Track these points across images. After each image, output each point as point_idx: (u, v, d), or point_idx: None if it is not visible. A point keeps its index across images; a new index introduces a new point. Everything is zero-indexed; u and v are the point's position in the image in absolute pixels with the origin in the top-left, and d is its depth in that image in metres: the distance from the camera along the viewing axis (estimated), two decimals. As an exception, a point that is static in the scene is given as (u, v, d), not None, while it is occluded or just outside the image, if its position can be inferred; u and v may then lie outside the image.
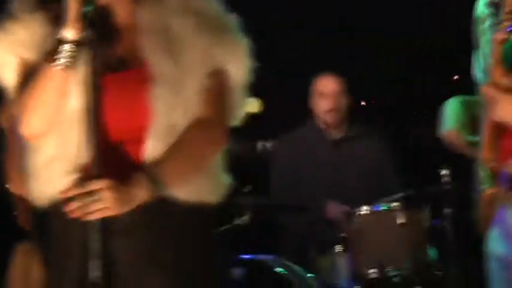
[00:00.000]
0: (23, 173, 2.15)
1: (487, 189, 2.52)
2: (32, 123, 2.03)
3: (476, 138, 2.71)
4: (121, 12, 2.10)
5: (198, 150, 2.06)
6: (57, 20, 2.02)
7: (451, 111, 2.85)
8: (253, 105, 3.30)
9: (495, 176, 2.50)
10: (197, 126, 2.04)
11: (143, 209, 1.95)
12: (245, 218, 3.92)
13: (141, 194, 1.93)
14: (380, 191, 4.26)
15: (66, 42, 1.94)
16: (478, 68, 2.65)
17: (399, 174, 4.47)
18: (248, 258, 3.96)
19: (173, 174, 1.99)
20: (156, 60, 2.04)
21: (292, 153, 4.50)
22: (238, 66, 2.14)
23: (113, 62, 2.05)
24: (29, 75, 2.06)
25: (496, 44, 2.30)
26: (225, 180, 2.13)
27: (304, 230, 4.34)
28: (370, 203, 3.99)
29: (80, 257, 1.95)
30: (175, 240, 2.04)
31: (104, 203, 1.88)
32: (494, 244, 2.53)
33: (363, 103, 6.32)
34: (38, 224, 2.33)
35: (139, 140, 2.01)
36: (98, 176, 1.89)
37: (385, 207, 3.91)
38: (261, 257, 4.03)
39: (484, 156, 2.50)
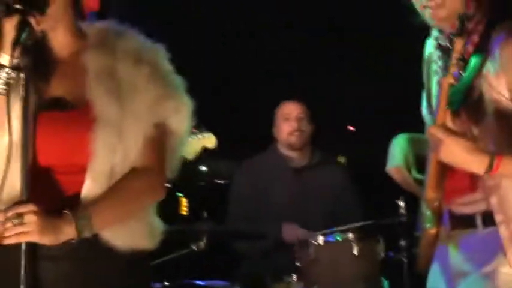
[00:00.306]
0: None
1: (430, 228, 2.56)
2: None
3: (422, 177, 2.71)
4: (58, 43, 2.12)
5: (136, 198, 2.09)
6: None
7: (398, 147, 2.79)
8: (209, 140, 3.34)
9: (438, 216, 2.54)
10: (137, 174, 2.06)
11: (72, 244, 1.94)
12: (201, 244, 3.91)
13: (66, 229, 1.92)
14: (340, 221, 4.25)
15: (2, 68, 1.93)
16: (425, 108, 2.70)
17: (360, 204, 4.49)
18: (203, 284, 3.97)
19: (108, 218, 2.00)
20: (101, 103, 2.05)
21: (252, 179, 4.53)
22: (181, 122, 2.18)
23: (53, 100, 2.06)
24: None
25: (443, 88, 2.35)
26: (159, 225, 2.15)
27: (260, 256, 4.35)
28: (327, 233, 3.99)
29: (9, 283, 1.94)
30: (101, 280, 2.03)
31: (27, 227, 1.86)
32: (434, 280, 2.57)
33: (351, 128, 6.35)
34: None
35: (74, 176, 2.01)
36: (26, 201, 1.87)
37: (340, 238, 3.91)
38: (216, 282, 4.05)
39: (428, 195, 2.54)
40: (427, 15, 2.48)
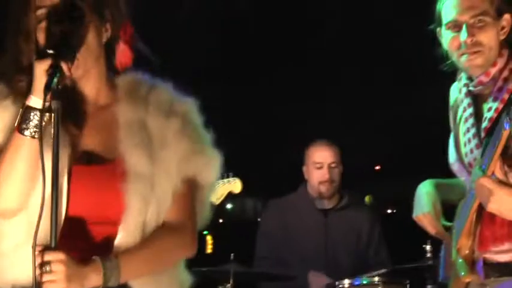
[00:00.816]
0: None
1: (464, 277, 2.53)
2: (4, 196, 1.99)
3: (450, 224, 2.71)
4: (89, 93, 2.10)
5: (168, 253, 2.07)
6: (26, 92, 1.99)
7: (425, 194, 2.75)
8: (235, 186, 3.38)
9: (470, 264, 2.52)
10: (169, 229, 2.05)
11: None
12: (228, 286, 3.95)
13: (93, 277, 1.90)
14: (367, 263, 4.27)
15: (33, 109, 1.92)
16: (452, 154, 2.70)
17: (386, 246, 4.45)
18: None
19: (137, 270, 1.99)
20: (132, 156, 2.04)
21: (280, 219, 4.48)
22: (210, 176, 2.17)
23: (84, 154, 2.05)
24: None
25: (502, 138, 2.30)
26: (187, 279, 2.14)
27: None
28: (354, 276, 3.96)
29: None
30: None
31: (55, 276, 1.86)
32: None
33: (377, 167, 6.37)
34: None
35: (107, 228, 2.00)
36: (54, 249, 1.86)
37: (366, 281, 3.89)
38: None
39: (461, 242, 2.54)
40: (462, 61, 2.51)
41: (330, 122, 5.55)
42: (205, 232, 4.47)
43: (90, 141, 2.09)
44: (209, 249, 4.62)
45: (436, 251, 3.94)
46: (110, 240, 2.02)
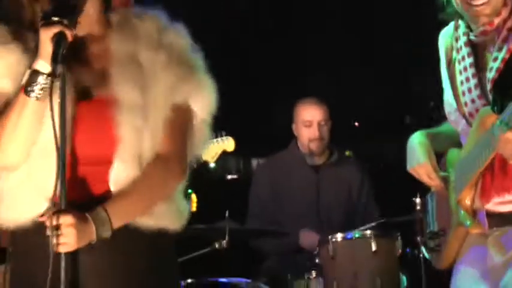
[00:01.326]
0: None
1: (471, 227, 2.55)
2: (7, 152, 2.09)
3: (445, 174, 2.73)
4: (94, 40, 2.19)
5: (159, 183, 2.13)
6: (32, 49, 2.10)
7: (419, 145, 2.76)
8: (228, 144, 3.40)
9: (471, 214, 2.54)
10: (158, 159, 2.12)
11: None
12: (224, 242, 3.98)
13: (91, 234, 2.00)
14: (358, 218, 4.39)
15: (40, 73, 2.02)
16: (449, 103, 2.70)
17: (376, 202, 4.57)
18: (226, 282, 4.02)
19: (127, 215, 2.07)
20: (124, 89, 2.12)
21: (272, 177, 4.58)
22: (202, 104, 2.22)
23: (83, 89, 2.13)
24: (4, 104, 2.12)
25: None
26: (185, 208, 2.21)
27: (281, 254, 4.43)
28: (346, 230, 4.05)
29: (44, 276, 1.99)
30: (131, 262, 2.11)
31: (65, 239, 1.96)
32: (469, 284, 2.57)
33: (356, 124, 6.44)
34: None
35: (107, 163, 2.09)
36: (64, 211, 1.96)
37: (359, 235, 3.97)
38: (238, 280, 4.08)
39: (464, 193, 2.55)
40: (470, 10, 2.50)
41: (314, 79, 5.62)
42: (189, 191, 4.50)
43: (86, 77, 2.15)
44: (194, 207, 4.65)
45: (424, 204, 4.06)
46: (104, 179, 2.09)
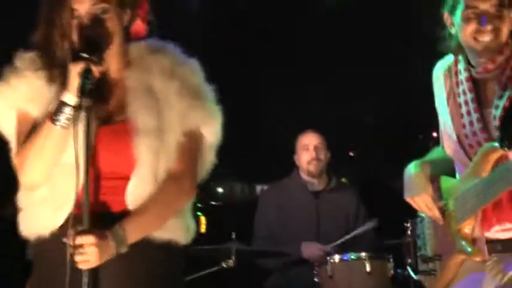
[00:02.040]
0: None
1: (473, 254, 2.56)
2: (31, 174, 2.19)
3: (442, 203, 2.71)
4: (114, 72, 2.30)
5: (169, 205, 2.24)
6: (59, 79, 2.21)
7: (416, 176, 2.74)
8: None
9: (471, 242, 2.56)
10: (171, 178, 2.22)
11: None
12: (230, 261, 4.17)
13: (111, 251, 2.11)
14: (354, 240, 4.54)
15: (67, 105, 2.12)
16: (446, 136, 2.73)
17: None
18: None
19: (142, 232, 2.18)
20: (140, 115, 2.23)
21: (276, 202, 4.79)
22: (210, 130, 2.34)
23: (104, 116, 2.24)
24: (30, 127, 2.22)
25: None
26: (193, 224, 2.33)
27: (283, 273, 4.57)
28: (342, 251, 4.24)
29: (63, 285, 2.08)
30: (146, 269, 2.22)
31: (88, 257, 2.06)
32: None
33: (351, 154, 6.72)
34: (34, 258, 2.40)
35: (125, 179, 2.20)
36: (87, 231, 2.06)
37: (354, 257, 4.14)
38: None
39: (467, 223, 2.56)
40: (478, 44, 2.55)
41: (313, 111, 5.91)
42: (199, 213, 4.75)
43: (105, 104, 2.26)
44: (203, 228, 4.89)
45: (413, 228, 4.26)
46: (122, 193, 2.19)
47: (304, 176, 4.82)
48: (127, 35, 2.35)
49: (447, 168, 2.77)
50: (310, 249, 4.48)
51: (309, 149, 4.78)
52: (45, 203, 2.20)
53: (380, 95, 6.01)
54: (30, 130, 2.21)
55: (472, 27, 2.56)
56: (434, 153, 2.87)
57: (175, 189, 2.24)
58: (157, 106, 2.26)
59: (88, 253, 2.05)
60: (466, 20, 2.57)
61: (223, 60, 5.75)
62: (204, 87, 2.38)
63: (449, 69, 2.75)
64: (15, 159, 2.23)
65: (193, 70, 2.37)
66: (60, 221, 2.18)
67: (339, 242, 4.28)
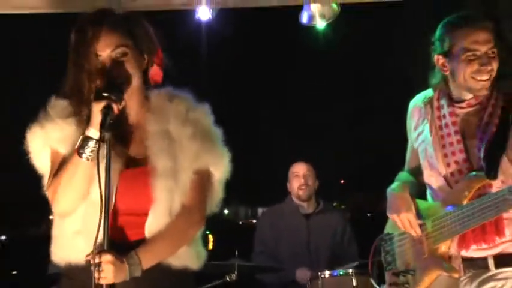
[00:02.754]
0: None
1: (449, 272, 2.67)
2: (62, 203, 2.32)
3: (421, 222, 2.76)
4: (131, 111, 2.44)
5: (183, 230, 2.37)
6: (85, 120, 2.34)
7: (400, 197, 2.81)
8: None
9: (447, 260, 2.68)
10: (183, 211, 2.36)
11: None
12: (233, 276, 4.45)
13: (132, 270, 2.26)
14: (341, 257, 4.92)
15: (90, 139, 2.26)
16: (426, 165, 2.81)
17: (354, 242, 5.13)
18: None
19: (156, 258, 2.32)
20: (157, 158, 2.37)
21: (272, 223, 5.21)
22: (219, 168, 2.48)
23: (126, 160, 2.38)
24: (60, 164, 2.34)
25: None
26: (203, 251, 2.46)
27: (279, 286, 4.94)
28: (331, 268, 4.55)
29: None
30: None
31: (105, 274, 2.19)
32: None
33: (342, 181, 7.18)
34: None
35: (143, 215, 2.34)
36: (105, 251, 2.20)
37: (342, 273, 4.46)
38: None
39: (447, 244, 2.67)
40: (475, 82, 2.65)
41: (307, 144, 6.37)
42: (207, 232, 5.09)
43: (131, 149, 2.42)
44: (210, 246, 5.22)
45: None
46: (141, 227, 2.34)
47: (296, 200, 5.26)
48: (145, 79, 2.48)
49: (417, 191, 2.88)
50: (302, 275, 4.81)
51: (298, 176, 5.23)
52: (79, 236, 2.33)
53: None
54: (59, 165, 2.35)
55: (472, 68, 2.67)
56: (403, 177, 2.95)
57: (186, 221, 2.37)
58: (173, 149, 2.39)
59: (105, 270, 2.18)
60: (466, 61, 2.68)
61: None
62: (214, 129, 2.51)
63: (430, 104, 2.84)
64: (48, 191, 2.36)
65: (205, 114, 2.51)
66: (89, 251, 2.29)
67: (328, 272, 4.53)
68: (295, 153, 5.63)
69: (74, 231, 2.34)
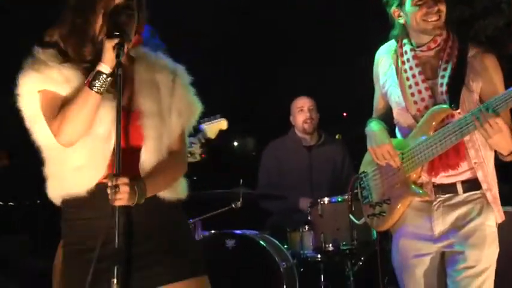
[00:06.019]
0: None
1: (421, 195, 2.78)
2: (69, 133, 2.32)
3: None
4: (125, 61, 2.43)
5: (172, 173, 2.50)
6: (87, 60, 2.38)
7: (378, 130, 2.94)
8: (223, 124, 4.03)
9: (419, 186, 2.79)
10: (172, 157, 2.47)
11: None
12: (238, 203, 4.52)
13: (139, 196, 2.33)
14: (341, 185, 4.90)
15: (102, 73, 2.28)
16: (395, 102, 2.94)
17: (355, 174, 5.10)
18: (239, 233, 4.51)
19: (154, 189, 2.42)
20: (146, 104, 2.45)
21: (276, 156, 5.23)
22: (194, 119, 2.60)
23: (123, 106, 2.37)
24: (61, 102, 2.33)
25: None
26: (185, 187, 2.56)
27: (281, 213, 5.02)
28: (331, 195, 4.59)
29: (97, 238, 2.25)
30: (161, 220, 2.48)
31: (122, 195, 2.22)
32: (414, 241, 2.83)
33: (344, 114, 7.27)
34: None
35: (137, 152, 2.43)
36: (119, 175, 2.23)
37: (341, 199, 4.52)
38: (249, 232, 4.59)
39: (419, 170, 2.78)
40: (427, 24, 2.79)
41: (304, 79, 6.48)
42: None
43: (124, 95, 2.45)
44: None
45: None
46: (137, 159, 2.43)
47: (299, 134, 5.25)
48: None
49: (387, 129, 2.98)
50: (305, 203, 4.85)
51: (303, 111, 5.21)
52: (82, 170, 2.37)
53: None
54: (64, 101, 2.34)
55: (422, 11, 2.82)
56: (374, 122, 3.06)
57: (176, 163, 2.51)
58: (158, 95, 2.48)
59: (122, 191, 2.21)
60: (416, 7, 2.83)
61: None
62: (190, 87, 2.62)
63: (395, 52, 2.96)
64: (52, 126, 2.35)
65: (184, 70, 2.61)
66: (94, 182, 2.36)
67: (327, 199, 4.60)
68: (297, 88, 5.64)
69: (77, 166, 2.36)
